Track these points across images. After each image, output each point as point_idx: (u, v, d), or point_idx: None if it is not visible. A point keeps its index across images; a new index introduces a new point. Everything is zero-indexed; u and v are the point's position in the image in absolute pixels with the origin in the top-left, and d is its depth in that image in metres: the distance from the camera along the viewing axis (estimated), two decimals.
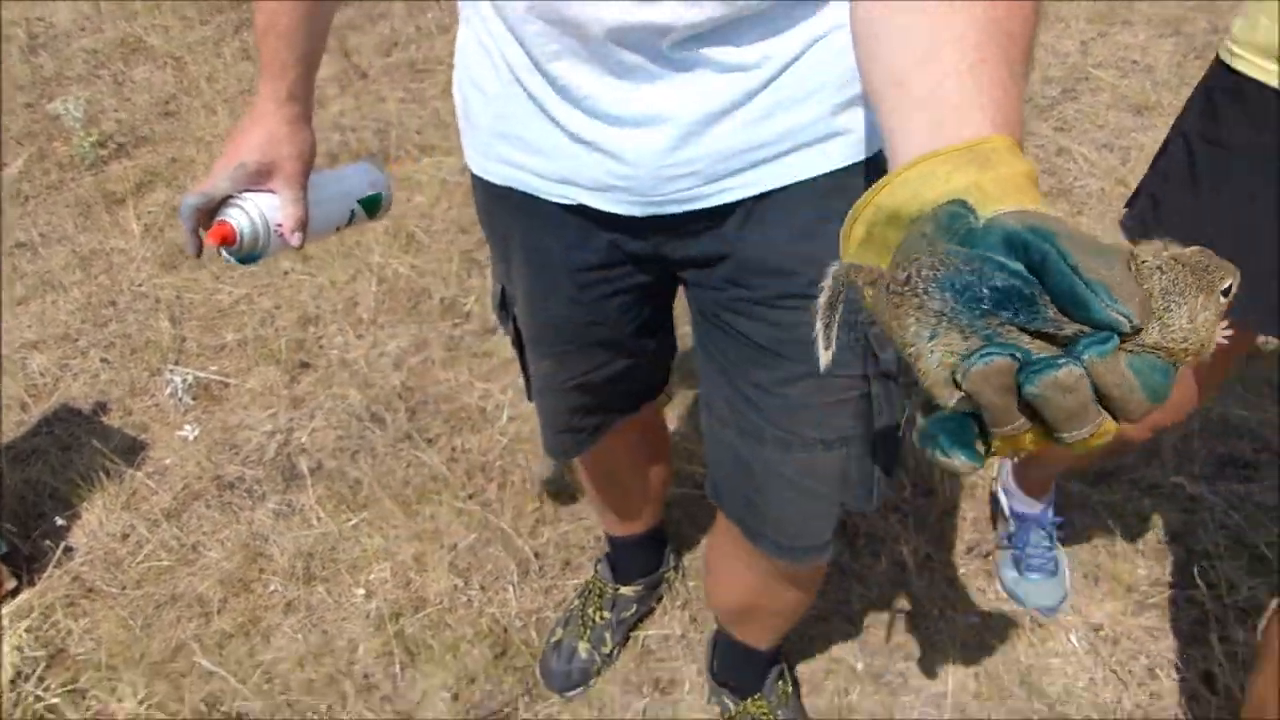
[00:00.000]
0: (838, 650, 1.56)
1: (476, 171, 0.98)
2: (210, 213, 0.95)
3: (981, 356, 0.39)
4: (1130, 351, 0.40)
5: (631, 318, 1.04)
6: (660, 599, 1.65)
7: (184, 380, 2.09)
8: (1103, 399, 0.40)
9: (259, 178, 0.95)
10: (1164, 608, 1.58)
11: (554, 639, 1.58)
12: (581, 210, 0.90)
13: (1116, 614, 1.58)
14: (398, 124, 2.93)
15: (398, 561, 1.75)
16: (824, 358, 0.48)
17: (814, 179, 0.83)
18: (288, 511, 1.85)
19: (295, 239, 0.97)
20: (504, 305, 1.10)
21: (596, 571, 1.62)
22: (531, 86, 0.85)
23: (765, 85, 0.79)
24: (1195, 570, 1.62)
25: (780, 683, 1.43)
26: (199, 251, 0.95)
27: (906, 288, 0.42)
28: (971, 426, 0.41)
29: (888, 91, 0.52)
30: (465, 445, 1.96)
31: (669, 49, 0.76)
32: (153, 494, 1.89)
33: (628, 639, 1.60)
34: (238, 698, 1.56)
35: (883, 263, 0.46)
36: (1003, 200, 0.43)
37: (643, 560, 1.61)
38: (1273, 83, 0.89)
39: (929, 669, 1.53)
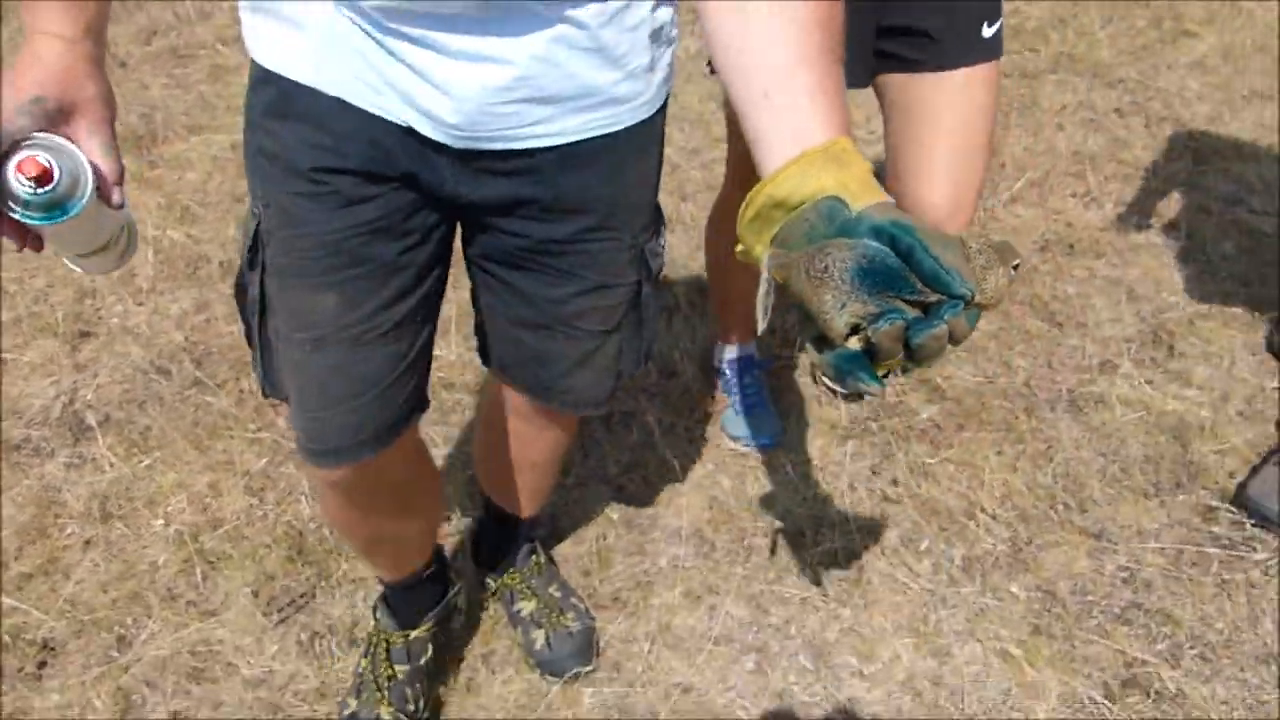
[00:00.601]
0: (595, 507, 1.81)
1: (304, 78, 0.91)
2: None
3: (887, 320, 0.57)
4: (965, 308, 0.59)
5: (413, 246, 1.01)
6: (461, 619, 1.59)
7: None
8: (949, 339, 0.59)
9: (58, 121, 0.79)
10: (861, 438, 1.92)
11: (347, 712, 1.44)
12: (406, 131, 0.91)
13: (824, 447, 1.90)
14: (163, 108, 2.97)
15: (194, 492, 1.86)
16: (761, 324, 0.64)
17: (619, 130, 0.96)
18: (79, 462, 1.92)
19: (117, 195, 0.81)
20: (256, 241, 1.00)
21: (377, 620, 1.46)
22: (361, 23, 0.86)
23: (593, 40, 0.87)
24: (885, 406, 1.96)
25: (534, 556, 1.60)
26: None
27: (825, 274, 0.59)
28: (865, 360, 0.59)
29: (757, 100, 0.68)
30: (253, 388, 2.09)
31: (509, 5, 0.83)
32: None
33: (436, 690, 1.51)
34: (41, 627, 1.65)
35: (767, 233, 0.64)
36: (863, 196, 0.62)
37: (430, 594, 1.46)
38: None
39: (672, 510, 1.79)
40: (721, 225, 1.77)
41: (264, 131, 0.96)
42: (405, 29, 0.84)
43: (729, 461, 1.88)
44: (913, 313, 0.58)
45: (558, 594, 1.61)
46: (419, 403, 1.12)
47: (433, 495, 1.38)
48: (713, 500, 1.81)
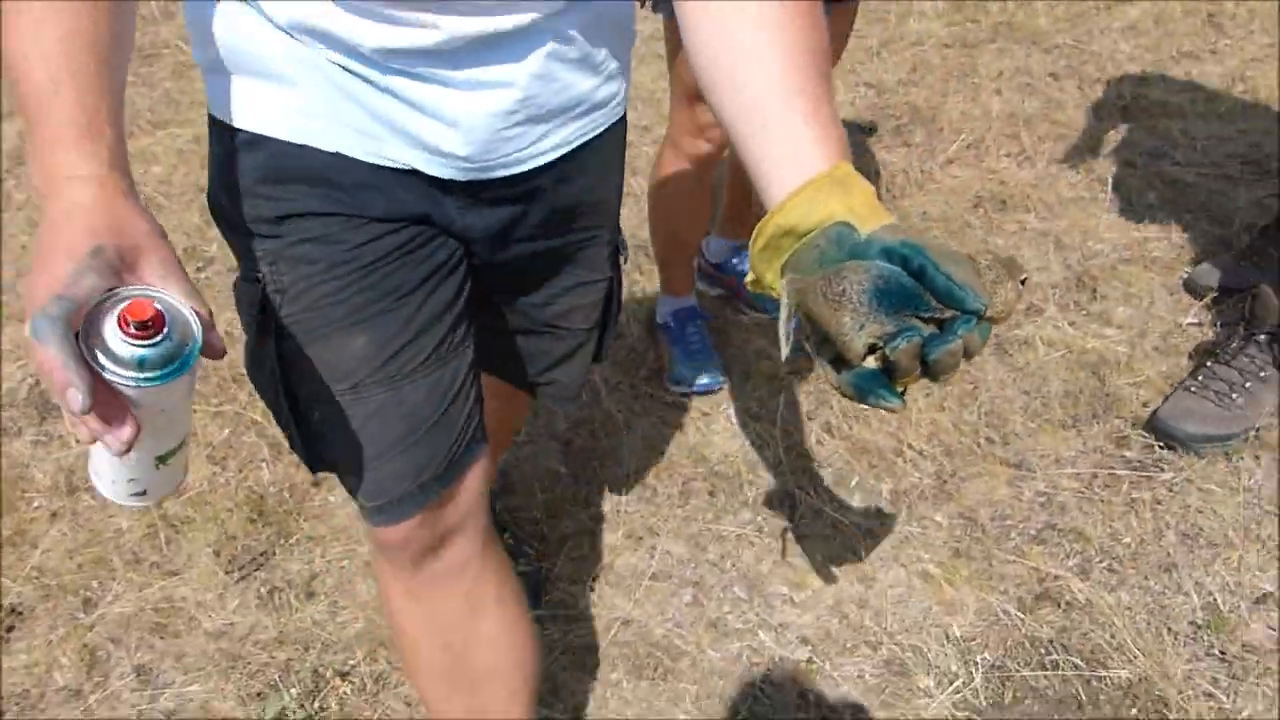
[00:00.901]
0: (546, 461, 1.88)
1: (298, 137, 0.87)
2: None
3: (905, 338, 0.58)
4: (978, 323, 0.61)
5: (438, 269, 0.98)
6: None
7: None
8: (963, 354, 0.60)
9: (121, 271, 0.67)
10: (798, 386, 2.00)
11: None
12: (410, 173, 0.90)
13: (763, 397, 1.98)
14: (128, 104, 3.01)
15: None
16: (785, 350, 0.65)
17: (600, 134, 0.98)
18: (45, 440, 2.00)
19: (218, 340, 0.69)
20: (264, 307, 0.92)
21: None
22: (359, 69, 0.84)
23: (579, 50, 0.89)
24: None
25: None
26: (91, 392, 0.62)
27: (842, 296, 0.60)
28: (883, 378, 0.61)
29: (754, 128, 0.68)
30: (215, 365, 2.16)
31: (506, 33, 0.84)
32: None
33: None
34: (9, 594, 1.72)
35: (778, 262, 0.66)
36: (870, 220, 0.63)
37: None
38: None
39: (616, 461, 1.87)
40: (665, 178, 1.84)
41: (262, 199, 0.90)
42: (408, 67, 0.84)
43: (671, 414, 1.96)
44: (928, 329, 0.60)
45: (510, 542, 1.69)
46: (476, 433, 1.03)
47: (522, 628, 1.16)
48: (655, 449, 1.89)
